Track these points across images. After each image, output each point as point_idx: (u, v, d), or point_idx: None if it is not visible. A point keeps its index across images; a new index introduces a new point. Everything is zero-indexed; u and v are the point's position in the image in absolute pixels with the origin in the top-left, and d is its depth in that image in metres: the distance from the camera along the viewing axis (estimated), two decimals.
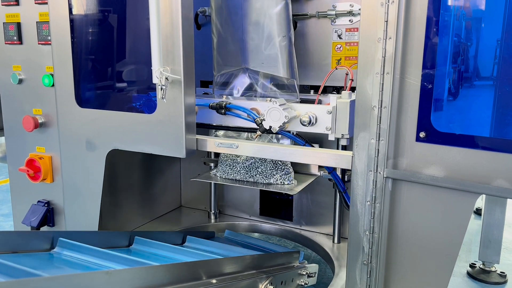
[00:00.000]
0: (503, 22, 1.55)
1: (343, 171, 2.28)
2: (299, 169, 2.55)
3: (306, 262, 2.36)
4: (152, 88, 2.00)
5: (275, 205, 2.98)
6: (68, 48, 2.16)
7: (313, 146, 2.13)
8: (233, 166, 2.45)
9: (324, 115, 1.99)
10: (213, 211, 3.08)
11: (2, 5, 2.34)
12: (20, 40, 2.34)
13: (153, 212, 3.03)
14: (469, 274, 2.80)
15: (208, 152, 2.78)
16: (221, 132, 2.41)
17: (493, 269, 2.79)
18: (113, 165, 2.58)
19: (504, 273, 2.76)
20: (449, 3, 1.62)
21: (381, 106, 1.66)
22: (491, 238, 2.75)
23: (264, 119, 2.01)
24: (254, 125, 2.07)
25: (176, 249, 2.03)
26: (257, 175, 2.40)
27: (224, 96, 2.29)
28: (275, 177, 2.38)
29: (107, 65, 2.32)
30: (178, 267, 1.51)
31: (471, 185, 1.59)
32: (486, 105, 1.63)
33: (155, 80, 1.86)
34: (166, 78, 1.86)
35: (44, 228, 2.45)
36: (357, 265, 1.82)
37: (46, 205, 2.44)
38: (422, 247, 1.73)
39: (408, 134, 1.67)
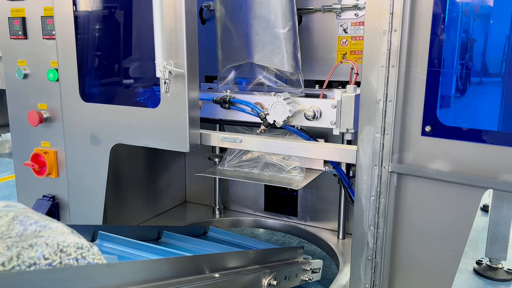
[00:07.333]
0: None
1: (348, 166, 2.26)
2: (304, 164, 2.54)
3: (311, 257, 2.34)
4: (157, 83, 1.99)
5: (279, 200, 2.97)
6: (73, 43, 2.16)
7: (317, 141, 2.11)
8: None
9: (328, 109, 1.97)
10: (217, 207, 3.08)
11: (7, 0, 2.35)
12: (25, 34, 2.35)
13: (158, 207, 3.03)
14: (475, 271, 2.77)
15: (212, 147, 2.77)
16: None
17: (500, 266, 2.75)
18: (117, 160, 2.59)
19: (511, 270, 2.73)
20: None
21: (386, 100, 1.64)
22: (498, 235, 2.72)
23: (268, 114, 2.00)
24: (258, 120, 2.05)
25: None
26: None
27: (229, 91, 2.28)
28: None
29: (111, 59, 2.32)
30: (181, 260, 1.50)
31: (477, 180, 1.56)
32: (494, 99, 1.60)
33: (158, 74, 1.86)
34: (170, 72, 1.85)
35: None
36: (362, 260, 1.81)
37: (51, 199, 2.45)
38: (427, 243, 1.71)
39: (413, 128, 1.65)
